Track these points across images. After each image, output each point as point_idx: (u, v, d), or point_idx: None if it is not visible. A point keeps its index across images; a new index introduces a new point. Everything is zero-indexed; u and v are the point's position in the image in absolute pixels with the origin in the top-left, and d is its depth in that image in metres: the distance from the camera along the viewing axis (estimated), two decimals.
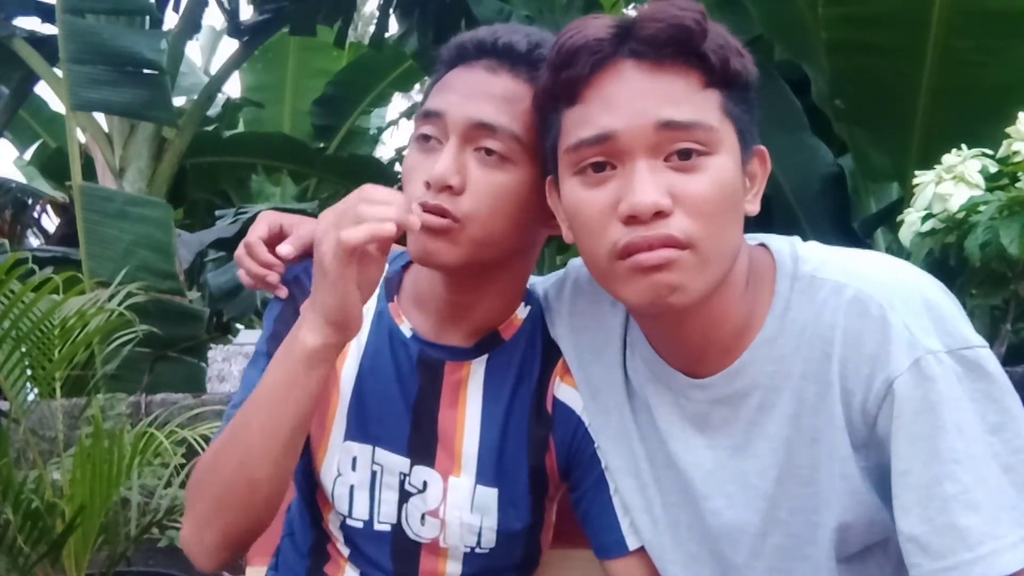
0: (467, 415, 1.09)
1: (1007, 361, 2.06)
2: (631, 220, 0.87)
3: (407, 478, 1.08)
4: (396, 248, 1.23)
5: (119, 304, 2.78)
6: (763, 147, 0.97)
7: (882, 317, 0.87)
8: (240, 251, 1.15)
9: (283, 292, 1.12)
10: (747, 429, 0.97)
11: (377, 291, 1.12)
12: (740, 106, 0.91)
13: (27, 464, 2.62)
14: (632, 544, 1.06)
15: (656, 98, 0.88)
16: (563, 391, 1.09)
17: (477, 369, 1.09)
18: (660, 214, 0.86)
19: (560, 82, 0.91)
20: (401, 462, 1.09)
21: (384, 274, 1.11)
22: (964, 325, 0.89)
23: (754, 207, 0.95)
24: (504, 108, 0.98)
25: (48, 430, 2.84)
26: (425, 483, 1.08)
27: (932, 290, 0.91)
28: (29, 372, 2.59)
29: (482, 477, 1.08)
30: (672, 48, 0.88)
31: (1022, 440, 0.85)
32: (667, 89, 0.88)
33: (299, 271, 1.12)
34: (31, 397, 2.68)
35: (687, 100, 0.88)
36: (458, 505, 1.08)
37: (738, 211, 0.92)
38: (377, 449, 1.09)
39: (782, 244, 0.99)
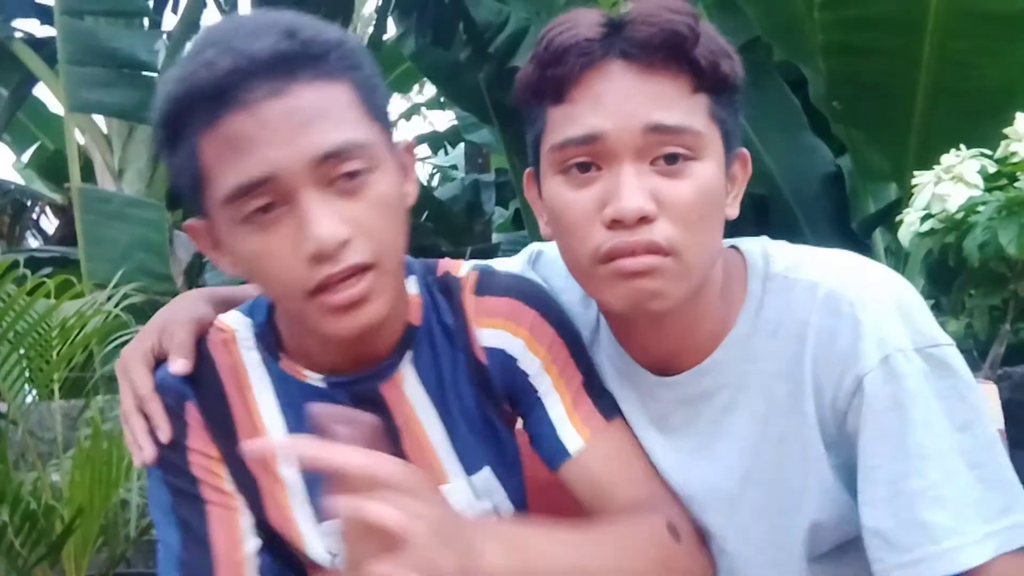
0: (424, 423, 1.02)
1: (1007, 361, 2.07)
2: (615, 224, 0.86)
3: None
4: (243, 292, 1.08)
5: (116, 305, 2.78)
6: (745, 150, 0.97)
7: (852, 315, 0.88)
8: (139, 425, 0.98)
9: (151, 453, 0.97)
10: (709, 429, 0.97)
11: (258, 357, 1.00)
12: (726, 109, 0.91)
13: (26, 466, 2.62)
14: (572, 448, 1.00)
15: (645, 101, 0.87)
16: (488, 336, 1.02)
17: (408, 372, 1.01)
18: (644, 219, 0.86)
19: (547, 79, 0.90)
20: None
21: (251, 330, 1.01)
22: (932, 324, 0.89)
23: (733, 210, 0.95)
24: None
25: (47, 432, 2.83)
26: None
27: (901, 289, 0.91)
28: (27, 373, 2.59)
29: (469, 467, 1.04)
30: (664, 53, 0.87)
31: (988, 437, 0.86)
32: (657, 92, 0.87)
33: (170, 381, 0.98)
34: (29, 399, 2.68)
35: (676, 104, 0.87)
36: (463, 504, 1.03)
37: (720, 216, 0.92)
38: None
39: (752, 245, 0.99)
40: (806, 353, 0.90)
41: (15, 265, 2.53)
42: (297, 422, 0.98)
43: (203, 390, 0.99)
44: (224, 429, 0.99)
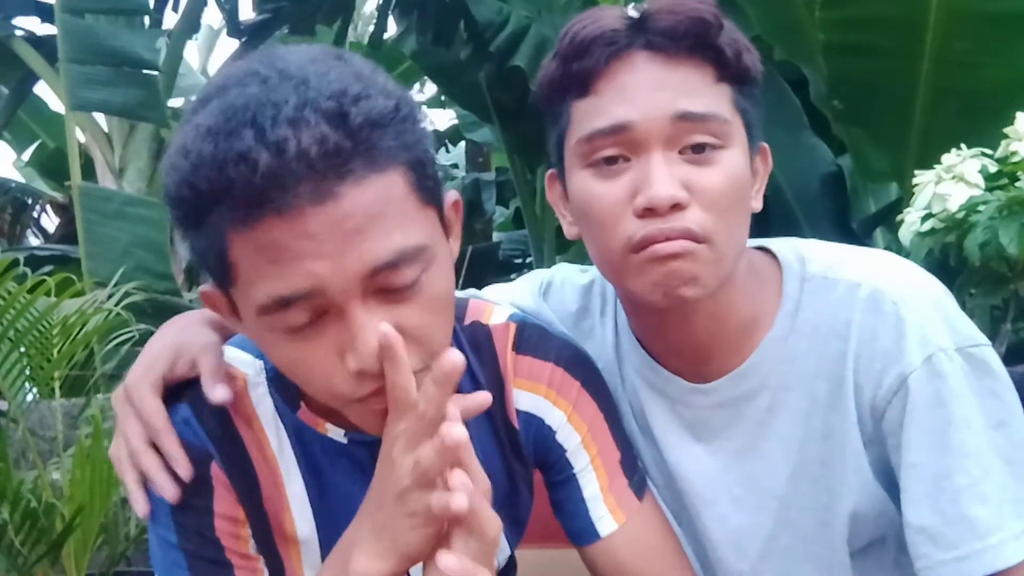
0: None
1: (1007, 361, 2.06)
2: (647, 213, 0.86)
3: None
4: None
5: (117, 304, 2.79)
6: (766, 144, 0.97)
7: (896, 314, 0.89)
8: (144, 459, 0.87)
9: (173, 488, 0.87)
10: (754, 430, 0.97)
11: (271, 403, 0.92)
12: (749, 101, 0.92)
13: (26, 464, 2.62)
14: (604, 530, 0.98)
15: (672, 90, 0.87)
16: (525, 400, 0.98)
17: None
18: (677, 207, 0.86)
19: (572, 73, 0.90)
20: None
21: (262, 374, 0.92)
22: (969, 324, 0.91)
23: (757, 203, 0.95)
24: None
25: (47, 430, 2.83)
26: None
27: (938, 289, 0.93)
28: (28, 372, 2.59)
29: None
30: (689, 41, 0.88)
31: (1021, 435, 0.88)
32: (682, 81, 0.88)
33: (191, 439, 0.88)
34: (30, 397, 2.68)
35: (702, 93, 0.88)
36: None
37: (747, 206, 0.92)
38: None
39: (783, 246, 0.99)
40: (848, 351, 0.91)
41: (15, 263, 2.53)
42: (315, 477, 0.92)
43: (225, 448, 0.90)
44: (249, 488, 0.91)
